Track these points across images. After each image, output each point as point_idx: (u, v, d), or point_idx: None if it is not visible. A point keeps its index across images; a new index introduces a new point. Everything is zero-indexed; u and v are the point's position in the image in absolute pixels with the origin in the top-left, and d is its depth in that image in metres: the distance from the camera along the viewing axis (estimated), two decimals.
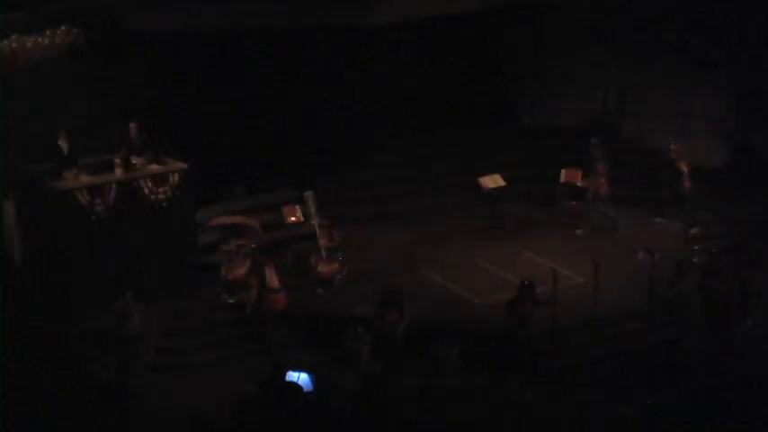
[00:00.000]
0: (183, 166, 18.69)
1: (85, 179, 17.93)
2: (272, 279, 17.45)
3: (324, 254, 18.98)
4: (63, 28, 18.59)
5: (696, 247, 19.63)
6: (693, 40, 23.15)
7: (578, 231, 20.97)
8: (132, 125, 18.79)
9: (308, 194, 19.52)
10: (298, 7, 20.91)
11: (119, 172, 18.04)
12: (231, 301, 18.27)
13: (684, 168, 21.28)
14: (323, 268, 18.90)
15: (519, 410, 15.73)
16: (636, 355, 16.95)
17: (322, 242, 19.04)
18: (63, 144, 18.10)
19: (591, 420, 15.45)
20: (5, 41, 17.82)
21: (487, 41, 23.98)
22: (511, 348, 16.62)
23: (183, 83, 21.21)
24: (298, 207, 19.90)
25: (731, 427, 14.29)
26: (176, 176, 18.40)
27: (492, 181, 21.44)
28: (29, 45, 18.06)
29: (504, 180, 21.55)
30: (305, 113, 22.40)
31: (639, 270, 18.22)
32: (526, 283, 16.70)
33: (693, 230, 20.70)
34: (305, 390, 14.27)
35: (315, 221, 19.31)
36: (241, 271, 18.15)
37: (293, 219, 19.83)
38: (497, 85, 24.49)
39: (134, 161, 18.46)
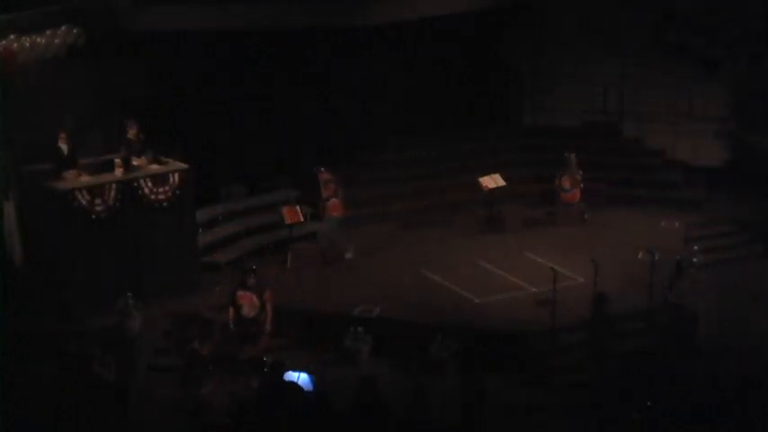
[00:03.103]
0: (183, 166, 18.70)
1: (85, 179, 17.94)
2: (249, 308, 16.41)
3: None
4: (63, 28, 18.59)
5: (696, 247, 19.65)
6: (693, 40, 23.16)
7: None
8: (132, 125, 18.80)
9: None
10: (298, 7, 20.91)
11: (119, 172, 18.05)
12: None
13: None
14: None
15: (519, 411, 15.72)
16: (636, 355, 16.94)
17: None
18: (63, 144, 18.10)
19: (591, 420, 15.44)
20: (5, 41, 17.82)
21: (487, 41, 24.00)
22: (511, 348, 16.64)
23: (183, 83, 21.21)
24: (298, 207, 19.91)
25: (731, 427, 14.27)
26: (176, 176, 18.40)
27: (492, 181, 21.44)
28: (28, 45, 18.05)
29: (504, 180, 21.56)
30: (305, 113, 22.40)
31: (639, 270, 18.22)
32: None
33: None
34: (305, 390, 14.25)
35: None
36: (211, 387, 15.57)
37: (293, 219, 19.82)
38: (497, 85, 24.50)
39: (134, 161, 18.48)
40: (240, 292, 16.44)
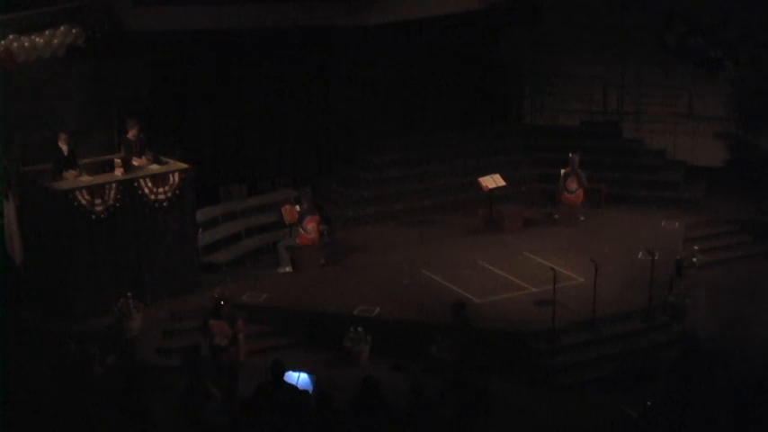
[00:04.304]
0: (183, 166, 18.70)
1: (85, 179, 17.94)
2: (221, 337, 15.65)
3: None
4: (63, 28, 18.59)
5: (696, 247, 19.65)
6: (693, 40, 23.17)
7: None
8: (132, 125, 18.80)
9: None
10: (298, 7, 20.91)
11: (119, 172, 18.05)
12: None
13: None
14: None
15: (519, 410, 15.72)
16: (636, 354, 16.94)
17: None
18: (63, 144, 18.10)
19: (591, 420, 15.44)
20: (5, 41, 17.82)
21: (487, 41, 24.00)
22: (511, 348, 16.62)
23: (184, 83, 21.21)
24: (298, 207, 19.91)
25: (731, 427, 14.27)
26: (176, 176, 18.40)
27: (492, 181, 21.46)
28: (28, 45, 18.06)
29: (505, 180, 21.57)
30: (305, 113, 22.41)
31: (639, 270, 18.22)
32: None
33: None
34: (305, 390, 14.25)
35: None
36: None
37: (293, 219, 19.81)
38: (497, 85, 24.51)
39: (134, 161, 18.48)
40: (212, 321, 15.80)
